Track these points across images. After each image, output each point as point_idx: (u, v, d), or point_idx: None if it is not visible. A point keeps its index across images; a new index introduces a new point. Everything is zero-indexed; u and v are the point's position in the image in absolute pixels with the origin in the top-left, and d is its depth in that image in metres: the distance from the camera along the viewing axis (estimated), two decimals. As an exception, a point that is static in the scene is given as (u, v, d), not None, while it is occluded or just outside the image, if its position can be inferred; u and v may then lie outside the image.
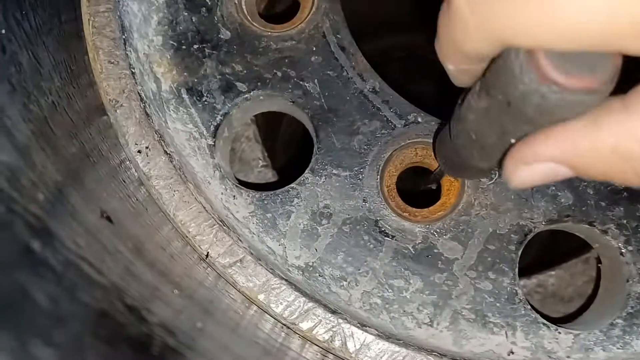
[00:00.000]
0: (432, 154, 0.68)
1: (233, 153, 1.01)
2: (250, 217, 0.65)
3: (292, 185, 0.67)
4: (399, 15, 1.54)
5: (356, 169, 0.67)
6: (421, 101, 0.72)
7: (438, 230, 0.65)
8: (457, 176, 0.65)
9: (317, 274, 0.64)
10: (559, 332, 0.61)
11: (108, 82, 0.64)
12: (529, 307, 0.63)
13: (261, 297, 0.60)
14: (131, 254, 0.56)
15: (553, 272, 0.96)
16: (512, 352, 0.61)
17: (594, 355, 0.60)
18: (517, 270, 0.64)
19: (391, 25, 1.61)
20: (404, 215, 0.66)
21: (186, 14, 0.71)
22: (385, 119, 0.68)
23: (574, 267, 0.97)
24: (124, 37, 0.66)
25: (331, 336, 0.60)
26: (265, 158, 1.03)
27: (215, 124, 0.68)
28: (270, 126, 1.19)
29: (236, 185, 0.67)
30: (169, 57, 0.69)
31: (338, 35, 0.70)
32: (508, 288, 0.63)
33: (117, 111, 0.63)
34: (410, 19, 1.51)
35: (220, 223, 0.62)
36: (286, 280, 0.62)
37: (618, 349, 0.61)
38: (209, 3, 0.71)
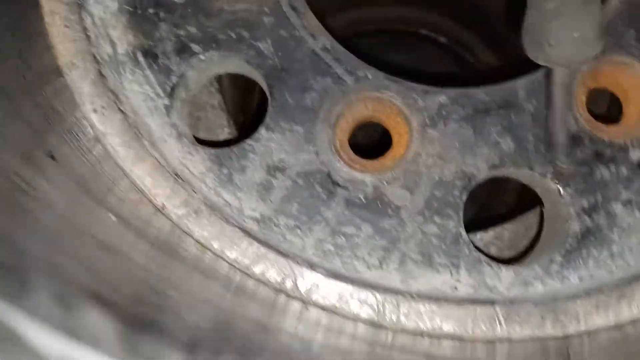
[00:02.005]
0: (384, 108, 0.70)
1: (198, 120, 1.02)
2: (206, 172, 0.67)
3: (246, 141, 0.69)
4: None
5: (309, 124, 0.69)
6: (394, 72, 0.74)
7: (387, 179, 0.68)
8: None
9: (272, 224, 0.66)
10: (501, 270, 0.64)
11: (64, 45, 0.65)
12: (473, 247, 0.66)
13: (215, 244, 0.63)
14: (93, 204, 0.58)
15: (509, 225, 0.99)
16: (456, 289, 0.64)
17: (533, 289, 0.63)
18: (461, 214, 0.67)
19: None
20: (355, 167, 0.69)
21: (149, -22, 0.72)
22: (336, 75, 0.70)
23: (529, 219, 1.00)
24: (79, 2, 0.67)
25: (282, 278, 0.62)
26: (231, 125, 1.04)
27: (171, 84, 0.70)
28: (242, 97, 1.20)
29: (193, 143, 0.69)
30: (124, 21, 0.70)
31: (289, -4, 0.72)
32: (453, 231, 0.66)
33: (73, 72, 0.64)
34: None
35: (175, 177, 0.64)
36: (240, 228, 0.64)
37: (556, 282, 0.64)
38: (163, -32, 0.72)
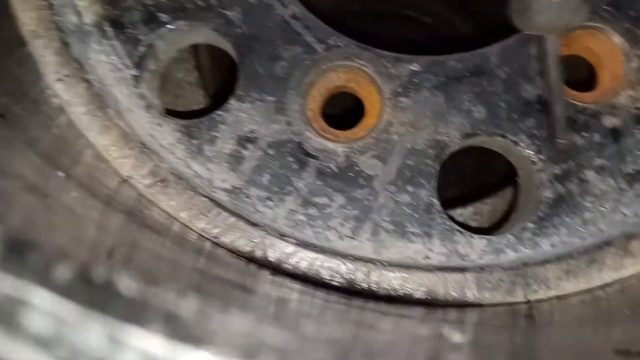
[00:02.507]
0: (355, 76, 0.69)
1: (175, 98, 1.01)
2: (176, 143, 0.66)
3: (216, 111, 0.68)
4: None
5: (280, 93, 0.68)
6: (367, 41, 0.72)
7: (359, 149, 0.67)
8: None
9: (244, 195, 0.65)
10: (473, 238, 0.64)
11: (26, 14, 0.63)
12: (445, 216, 0.65)
13: (183, 214, 0.62)
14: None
15: (488, 200, 0.99)
16: (428, 257, 0.63)
17: (505, 256, 0.63)
18: (434, 183, 0.66)
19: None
20: (327, 137, 0.68)
21: (106, -54, 0.70)
22: (306, 43, 0.69)
23: (508, 194, 1.00)
24: (41, -31, 0.65)
25: (252, 248, 0.61)
26: (208, 101, 1.03)
27: (139, 55, 0.68)
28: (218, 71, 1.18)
29: (161, 114, 0.67)
30: (90, -10, 0.69)
31: (259, -36, 0.70)
32: (426, 200, 0.65)
33: (36, 41, 0.63)
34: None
35: (142, 146, 0.63)
36: (209, 198, 0.63)
37: (528, 249, 0.63)
38: None
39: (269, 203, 0.65)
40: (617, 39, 0.68)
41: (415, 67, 0.68)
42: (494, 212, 1.01)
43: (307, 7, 0.70)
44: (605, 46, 0.68)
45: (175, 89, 1.02)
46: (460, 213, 1.00)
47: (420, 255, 0.63)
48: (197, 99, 1.03)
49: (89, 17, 0.67)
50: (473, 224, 1.02)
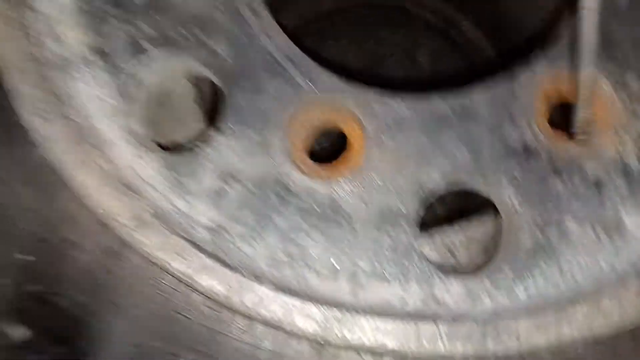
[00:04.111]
0: (339, 113, 0.67)
1: (174, 129, 0.98)
2: (156, 176, 0.65)
3: (198, 144, 0.66)
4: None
5: (262, 127, 0.66)
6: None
7: (341, 187, 0.66)
8: None
9: (224, 232, 0.64)
10: (451, 283, 0.63)
11: (2, 44, 0.61)
12: (425, 259, 0.64)
13: (160, 254, 0.60)
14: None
15: (468, 228, 0.98)
16: (405, 301, 0.62)
17: (481, 304, 0.62)
18: (415, 225, 0.65)
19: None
20: (309, 174, 0.66)
21: (93, -27, 0.68)
22: (290, 77, 0.67)
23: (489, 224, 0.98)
24: (22, -2, 0.63)
25: (228, 291, 0.61)
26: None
27: (121, 84, 0.66)
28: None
29: (143, 145, 0.66)
30: (75, 19, 0.66)
31: (246, -5, 0.68)
32: (405, 242, 0.64)
33: (12, 73, 0.61)
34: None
35: (122, 183, 0.62)
36: (188, 238, 0.62)
37: (504, 297, 0.63)
38: (115, -38, 0.68)
39: (249, 240, 0.64)
40: (606, 85, 0.67)
41: (400, 105, 0.67)
42: (473, 241, 0.99)
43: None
44: (594, 92, 0.67)
45: (175, 122, 1.00)
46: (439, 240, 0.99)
47: (397, 299, 0.62)
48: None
49: (72, 47, 0.65)
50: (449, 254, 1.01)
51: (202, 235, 0.63)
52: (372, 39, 1.31)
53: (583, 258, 0.63)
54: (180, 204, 0.64)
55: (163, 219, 0.62)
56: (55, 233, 0.55)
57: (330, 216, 0.65)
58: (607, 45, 0.66)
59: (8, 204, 0.53)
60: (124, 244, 0.59)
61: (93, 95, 0.65)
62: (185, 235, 0.62)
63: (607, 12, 0.66)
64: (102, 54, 0.66)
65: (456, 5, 1.29)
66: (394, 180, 0.66)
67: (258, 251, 0.64)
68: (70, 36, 0.66)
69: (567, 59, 0.67)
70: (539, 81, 0.66)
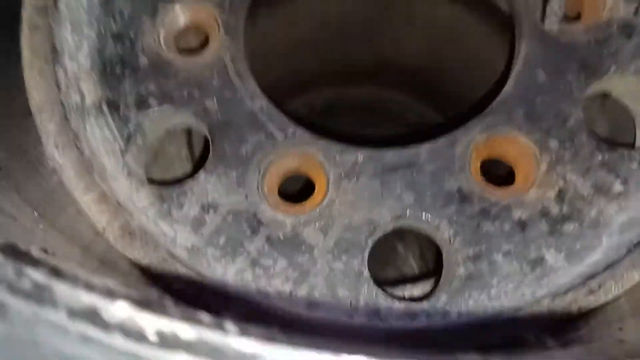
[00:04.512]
0: (307, 161, 0.80)
1: (165, 170, 1.12)
2: (149, 206, 0.76)
3: (188, 182, 0.79)
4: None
5: (242, 170, 0.79)
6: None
7: (305, 221, 0.77)
8: None
9: (200, 253, 0.75)
10: (394, 303, 0.72)
11: (37, 92, 0.76)
12: (372, 283, 0.73)
13: (144, 261, 0.71)
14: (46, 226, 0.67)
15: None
16: (352, 317, 0.71)
17: (417, 322, 0.71)
18: (366, 255, 0.75)
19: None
20: (279, 209, 0.78)
21: (112, 44, 0.84)
22: (268, 131, 0.81)
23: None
24: (55, 57, 0.79)
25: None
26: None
27: (128, 131, 0.80)
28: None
29: (139, 180, 0.78)
30: (94, 76, 0.82)
31: (236, 65, 0.84)
32: (357, 269, 0.74)
33: (42, 115, 0.75)
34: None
35: (118, 205, 0.73)
36: (168, 254, 0.73)
37: (439, 318, 0.71)
38: (133, 36, 0.84)
39: (222, 261, 0.75)
40: (530, 146, 0.79)
41: (358, 157, 0.79)
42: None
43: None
44: (520, 151, 0.79)
45: (167, 162, 1.15)
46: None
47: (346, 316, 0.72)
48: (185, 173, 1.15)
49: (90, 98, 0.80)
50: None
51: (180, 253, 0.74)
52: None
53: (509, 286, 0.72)
54: (166, 228, 0.75)
55: (149, 238, 0.74)
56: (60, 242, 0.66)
57: (293, 244, 0.76)
58: (533, 115, 0.79)
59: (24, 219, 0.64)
60: (117, 254, 0.70)
61: (103, 137, 0.79)
62: (166, 252, 0.73)
63: (532, 87, 0.80)
64: (114, 106, 0.81)
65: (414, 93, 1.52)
66: (350, 218, 0.77)
67: (228, 270, 0.74)
68: (90, 90, 0.80)
69: (497, 125, 0.79)
70: (474, 141, 0.79)
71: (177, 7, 0.85)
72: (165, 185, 0.79)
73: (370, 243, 0.76)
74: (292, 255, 0.75)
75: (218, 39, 0.84)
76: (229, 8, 0.85)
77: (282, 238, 0.76)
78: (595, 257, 0.73)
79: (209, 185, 0.78)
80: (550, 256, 0.74)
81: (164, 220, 0.76)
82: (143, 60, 0.83)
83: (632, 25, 0.82)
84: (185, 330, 0.27)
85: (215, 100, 0.82)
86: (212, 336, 0.27)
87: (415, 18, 1.50)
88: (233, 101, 0.81)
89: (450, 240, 0.75)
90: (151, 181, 0.81)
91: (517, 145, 0.79)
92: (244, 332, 0.27)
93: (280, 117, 0.81)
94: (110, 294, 0.28)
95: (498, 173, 0.82)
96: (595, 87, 0.81)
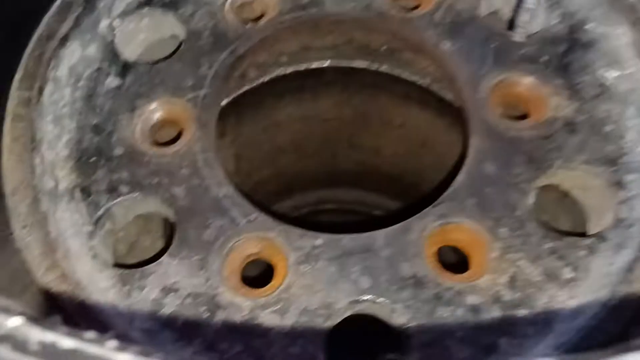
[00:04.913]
0: (268, 246, 0.82)
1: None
2: (110, 287, 0.78)
3: (150, 265, 0.80)
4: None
5: (204, 255, 0.81)
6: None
7: (263, 305, 0.78)
8: None
9: (156, 335, 0.75)
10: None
11: (13, 175, 0.80)
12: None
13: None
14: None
15: None
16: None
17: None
18: (322, 338, 0.75)
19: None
20: (238, 293, 0.79)
21: (91, 135, 0.89)
22: (231, 217, 0.84)
23: None
24: (34, 145, 0.84)
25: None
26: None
27: (98, 216, 0.83)
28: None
29: (105, 263, 0.80)
30: (70, 164, 0.86)
31: (205, 155, 0.89)
32: (312, 353, 0.74)
33: (14, 197, 0.79)
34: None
35: (77, 285, 0.75)
36: (122, 334, 0.73)
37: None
38: (110, 129, 0.90)
39: (178, 343, 0.75)
40: (482, 234, 0.82)
41: (317, 242, 0.82)
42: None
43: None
44: (472, 239, 0.82)
45: (141, 253, 1.17)
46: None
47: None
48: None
49: (64, 184, 0.84)
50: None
51: (137, 335, 0.74)
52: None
53: (461, 371, 0.72)
54: (124, 309, 0.76)
55: (107, 317, 0.74)
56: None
57: (250, 328, 0.76)
58: (484, 205, 0.83)
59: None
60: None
61: (72, 220, 0.82)
62: (121, 332, 0.73)
63: (482, 179, 0.84)
64: (86, 192, 0.85)
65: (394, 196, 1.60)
66: (307, 301, 0.78)
67: (184, 353, 0.74)
68: (65, 177, 0.85)
69: (450, 213, 0.83)
70: (428, 229, 0.81)
71: (154, 103, 0.92)
72: (128, 268, 0.81)
73: (326, 327, 0.76)
74: (248, 339, 0.75)
75: (190, 132, 0.90)
76: (201, 104, 0.92)
77: (239, 322, 0.77)
78: (546, 343, 0.73)
79: (171, 268, 0.80)
80: (503, 342, 0.74)
81: (123, 302, 0.77)
82: (118, 151, 0.88)
83: (575, 122, 0.88)
84: (65, 342, 0.28)
85: (183, 187, 0.86)
86: (90, 347, 0.28)
87: (391, 124, 1.58)
88: (200, 188, 0.85)
89: (405, 326, 0.76)
90: (117, 265, 0.82)
91: (469, 233, 0.82)
92: (122, 348, 0.29)
93: (243, 203, 0.85)
94: (8, 311, 0.30)
95: (454, 259, 0.84)
96: (543, 179, 0.85)
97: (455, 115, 1.39)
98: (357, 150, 1.75)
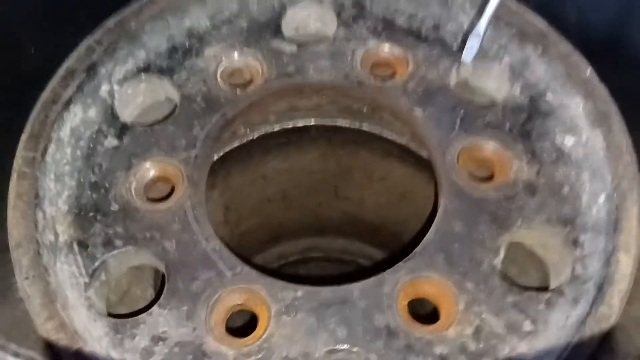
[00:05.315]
0: (252, 297, 0.88)
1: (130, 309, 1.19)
2: (103, 335, 0.83)
3: (142, 315, 0.86)
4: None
5: (192, 305, 0.87)
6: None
7: (246, 353, 0.83)
8: None
9: (146, 381, 0.80)
10: None
11: (17, 230, 0.87)
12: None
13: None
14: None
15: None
16: None
17: None
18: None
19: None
20: (223, 342, 0.85)
21: (89, 192, 0.96)
22: (219, 270, 0.90)
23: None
24: (37, 202, 0.90)
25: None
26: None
27: (94, 268, 0.89)
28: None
29: (100, 313, 0.86)
30: (69, 219, 0.93)
31: (195, 211, 0.95)
32: (290, 399, 0.80)
33: (18, 250, 0.85)
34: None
35: (74, 333, 0.80)
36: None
37: None
38: (107, 186, 0.97)
39: (165, 390, 0.80)
40: (449, 287, 0.88)
41: (297, 293, 0.88)
42: None
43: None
44: (440, 292, 0.88)
45: (132, 302, 1.22)
46: None
47: None
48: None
49: (63, 238, 0.91)
50: None
51: (127, 380, 0.80)
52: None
53: (428, 417, 0.77)
54: (116, 356, 0.81)
55: (100, 364, 0.80)
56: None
57: (234, 375, 0.81)
58: (451, 260, 0.90)
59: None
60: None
61: (70, 272, 0.88)
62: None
63: (450, 236, 0.91)
64: (83, 245, 0.91)
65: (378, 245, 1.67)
66: (287, 351, 0.83)
67: (171, 399, 0.79)
68: (64, 231, 0.91)
69: (420, 268, 0.89)
70: (400, 282, 0.88)
71: (149, 163, 0.99)
72: (121, 317, 0.86)
73: (304, 374, 0.82)
74: (232, 384, 0.81)
75: (181, 189, 0.97)
76: (192, 164, 0.99)
77: (223, 368, 0.82)
78: (508, 391, 0.79)
79: (161, 318, 0.86)
80: (469, 389, 0.80)
81: (115, 349, 0.82)
82: (114, 207, 0.95)
83: (535, 184, 0.96)
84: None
85: (174, 241, 0.92)
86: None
87: (373, 177, 1.66)
88: (189, 242, 0.92)
89: (377, 374, 0.81)
90: (110, 314, 0.88)
91: (438, 287, 0.88)
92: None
93: (230, 257, 0.91)
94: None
95: (426, 311, 0.90)
96: (507, 237, 0.92)
97: (432, 170, 1.48)
98: (341, 201, 1.82)
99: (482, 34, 0.99)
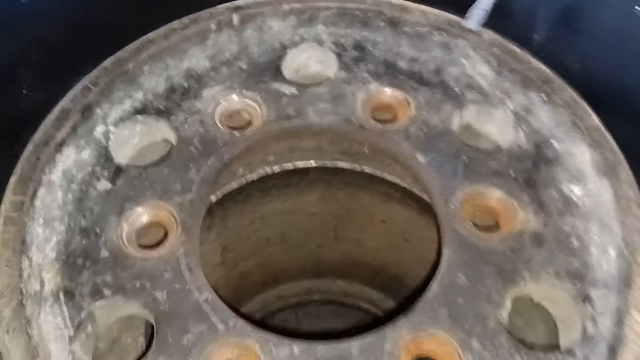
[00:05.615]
0: (245, 351, 0.84)
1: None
2: (87, 391, 0.79)
3: (128, 369, 0.82)
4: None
5: (183, 359, 0.82)
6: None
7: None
8: None
9: None
10: None
11: (0, 280, 0.83)
12: None
13: None
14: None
15: None
16: None
17: None
18: None
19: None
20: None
21: (79, 238, 0.92)
22: (210, 322, 0.86)
23: None
24: (23, 248, 0.87)
25: None
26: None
27: (80, 319, 0.85)
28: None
29: (85, 367, 0.82)
30: (57, 267, 0.89)
31: (188, 259, 0.91)
32: None
33: (0, 300, 0.81)
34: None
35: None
36: None
37: None
38: (98, 231, 0.93)
39: None
40: (453, 345, 0.83)
41: (293, 349, 0.83)
42: None
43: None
44: (445, 350, 0.84)
45: (122, 351, 1.17)
46: None
47: None
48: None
49: (49, 287, 0.86)
50: None
51: None
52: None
53: None
54: (100, 415, 0.77)
55: None
56: None
57: None
58: (455, 316, 0.85)
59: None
60: None
61: (54, 323, 0.83)
62: None
63: (454, 289, 0.87)
64: (70, 294, 0.87)
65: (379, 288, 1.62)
66: (281, 411, 0.78)
67: None
68: (50, 279, 0.87)
69: (422, 323, 0.85)
70: (402, 339, 0.83)
71: (142, 207, 0.96)
72: (106, 372, 0.81)
73: None
74: None
75: (175, 235, 0.93)
76: (188, 209, 0.96)
77: None
78: None
79: (148, 373, 0.81)
80: None
81: (98, 408, 0.77)
82: (104, 254, 0.91)
83: (542, 236, 0.92)
84: None
85: (164, 291, 0.88)
86: None
87: (374, 219, 1.62)
88: (181, 293, 0.88)
89: None
90: (95, 367, 0.83)
91: (441, 345, 0.84)
92: None
93: (223, 309, 0.87)
94: None
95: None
96: (514, 291, 0.88)
97: (434, 214, 1.44)
98: (341, 242, 1.78)
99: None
